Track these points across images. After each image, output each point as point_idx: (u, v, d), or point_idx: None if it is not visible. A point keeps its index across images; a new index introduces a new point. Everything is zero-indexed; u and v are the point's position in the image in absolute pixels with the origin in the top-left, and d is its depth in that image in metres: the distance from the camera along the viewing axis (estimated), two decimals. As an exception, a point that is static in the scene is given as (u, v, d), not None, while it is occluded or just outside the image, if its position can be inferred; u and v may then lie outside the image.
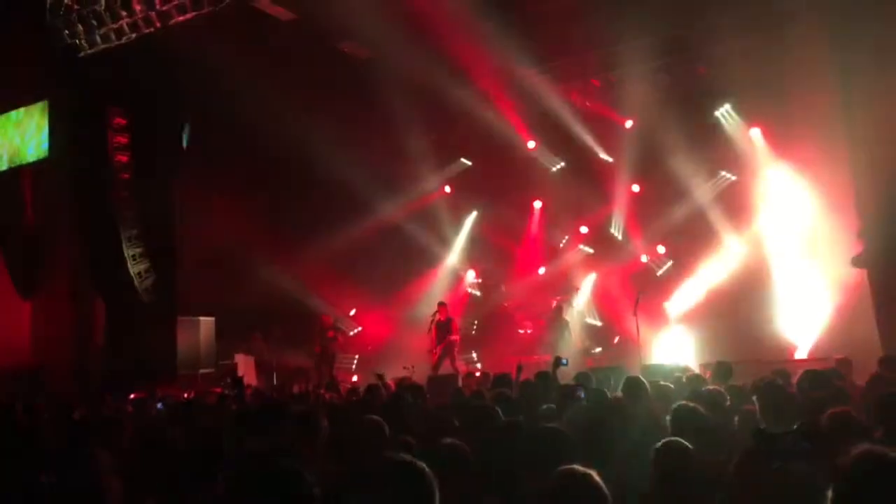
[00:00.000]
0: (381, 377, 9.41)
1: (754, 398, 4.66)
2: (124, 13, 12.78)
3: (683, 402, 4.81)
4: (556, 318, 14.78)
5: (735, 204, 14.78)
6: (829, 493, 1.89)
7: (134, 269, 14.08)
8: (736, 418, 5.14)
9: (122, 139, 14.14)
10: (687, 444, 3.48)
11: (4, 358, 13.66)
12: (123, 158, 14.14)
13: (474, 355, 16.35)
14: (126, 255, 13.98)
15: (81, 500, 2.38)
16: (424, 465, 1.96)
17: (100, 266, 14.10)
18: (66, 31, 13.18)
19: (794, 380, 7.22)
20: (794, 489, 2.03)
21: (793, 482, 2.08)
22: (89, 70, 13.46)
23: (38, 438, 4.07)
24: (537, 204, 17.53)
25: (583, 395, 6.12)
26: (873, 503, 1.79)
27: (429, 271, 17.64)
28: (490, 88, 15.32)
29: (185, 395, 11.47)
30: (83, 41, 13.19)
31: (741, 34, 13.29)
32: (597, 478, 2.41)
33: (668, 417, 4.66)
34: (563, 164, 16.83)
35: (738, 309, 13.75)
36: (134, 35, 12.91)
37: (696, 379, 7.49)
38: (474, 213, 18.01)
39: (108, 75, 13.60)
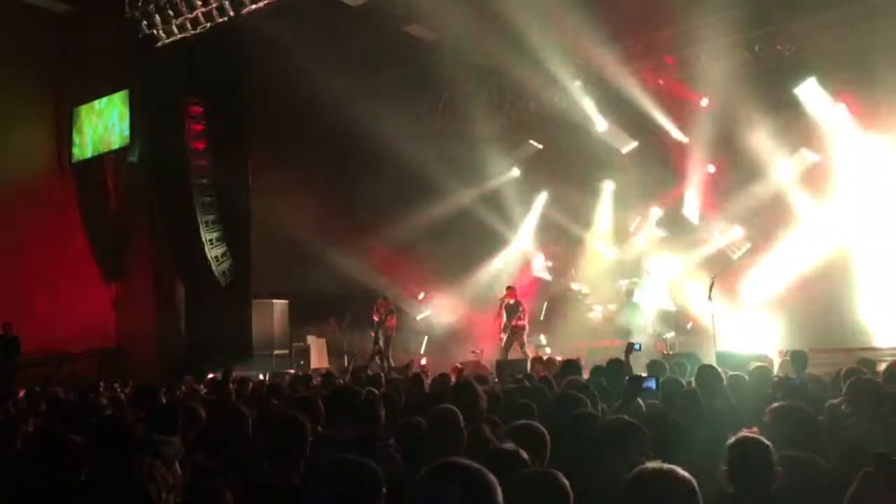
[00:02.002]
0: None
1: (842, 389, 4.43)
2: (199, 3, 13.09)
3: (784, 403, 4.46)
4: (626, 301, 14.53)
5: (818, 184, 14.17)
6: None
7: (211, 253, 14.50)
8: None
9: (198, 127, 14.53)
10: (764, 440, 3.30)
11: (90, 339, 14.34)
12: (200, 146, 14.54)
13: (543, 339, 16.24)
14: (204, 239, 14.41)
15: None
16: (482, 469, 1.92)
17: (180, 251, 14.59)
18: (145, 22, 13.59)
19: (879, 368, 6.92)
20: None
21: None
22: (166, 59, 13.86)
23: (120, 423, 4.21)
24: (608, 185, 17.20)
25: (653, 386, 5.98)
26: None
27: (497, 254, 17.57)
28: (560, 69, 15.07)
29: (261, 376, 11.79)
30: (161, 31, 13.58)
31: (825, 6, 12.70)
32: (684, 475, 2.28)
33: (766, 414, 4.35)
34: (634, 144, 16.45)
35: (819, 294, 13.22)
36: (209, 24, 13.20)
37: (763, 369, 7.12)
38: (544, 196, 17.80)
39: (184, 64, 13.98)
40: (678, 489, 2.16)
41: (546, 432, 3.68)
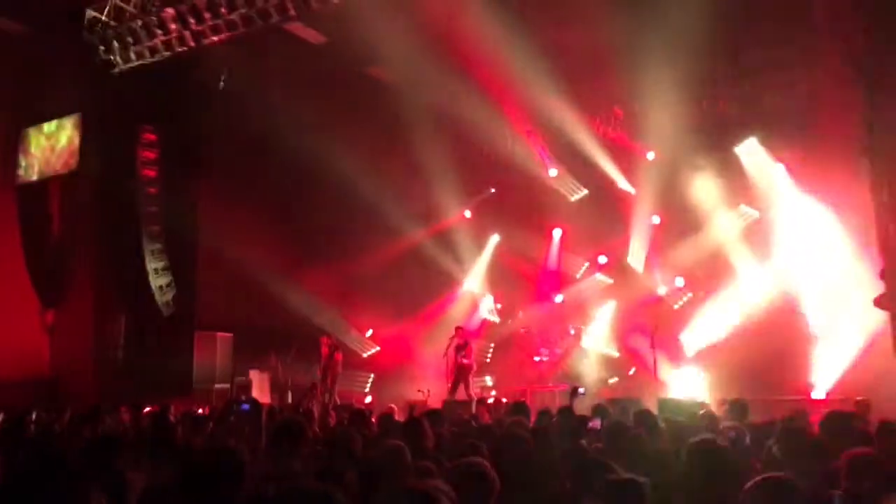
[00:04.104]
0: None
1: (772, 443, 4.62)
2: (159, 32, 13.05)
3: (702, 436, 4.75)
4: (576, 346, 14.77)
5: (757, 239, 14.74)
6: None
7: (156, 282, 14.25)
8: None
9: (151, 154, 14.39)
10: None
11: (24, 367, 13.82)
12: (151, 173, 14.38)
13: (489, 381, 16.31)
14: (148, 268, 14.15)
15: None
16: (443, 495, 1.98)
17: (123, 279, 14.28)
18: (102, 47, 13.47)
19: (812, 419, 7.19)
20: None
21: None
22: (122, 86, 13.73)
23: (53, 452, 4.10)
24: (557, 231, 17.56)
25: (599, 426, 6.11)
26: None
27: (447, 295, 17.68)
28: (514, 116, 15.45)
29: (200, 410, 11.53)
30: (118, 57, 13.47)
31: (770, 69, 13.36)
32: None
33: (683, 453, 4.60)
34: (584, 192, 16.87)
35: (756, 345, 13.61)
36: (168, 53, 13.17)
37: (710, 416, 7.40)
38: (495, 239, 18.06)
39: (140, 92, 13.87)
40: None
41: (491, 472, 3.63)
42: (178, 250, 14.59)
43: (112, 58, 13.49)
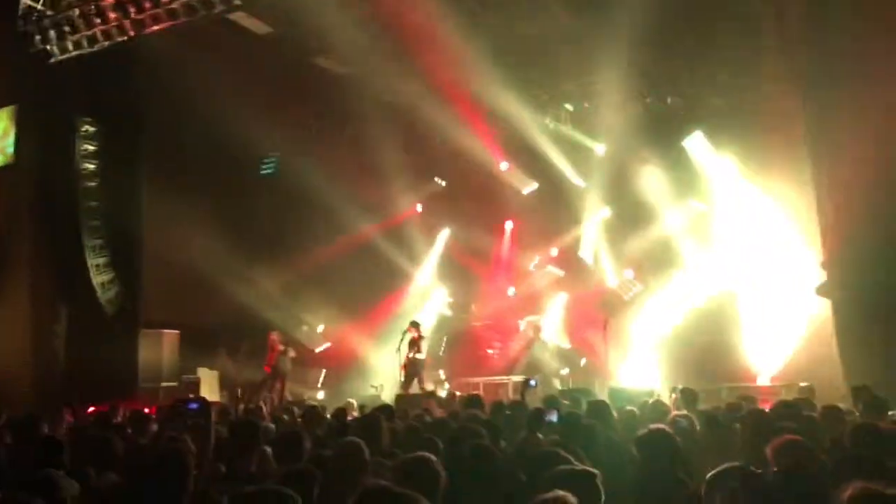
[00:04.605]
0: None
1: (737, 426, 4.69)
2: (98, 21, 12.58)
3: (654, 426, 4.79)
4: (535, 339, 14.89)
5: (703, 231, 15.05)
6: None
7: (97, 279, 13.78)
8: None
9: (91, 146, 13.89)
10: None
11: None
12: (91, 166, 13.89)
13: (442, 374, 16.28)
14: (90, 264, 13.69)
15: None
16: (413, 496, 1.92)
17: (62, 275, 13.78)
18: (38, 37, 12.93)
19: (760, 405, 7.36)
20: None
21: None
22: (59, 76, 13.23)
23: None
24: (509, 225, 17.63)
25: (555, 418, 6.12)
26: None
27: (399, 289, 17.58)
28: (465, 109, 15.41)
29: (146, 410, 11.22)
30: (54, 47, 12.96)
31: (715, 70, 13.64)
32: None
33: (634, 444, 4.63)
34: (535, 186, 16.96)
35: (704, 333, 13.96)
36: (107, 43, 12.72)
37: (658, 404, 7.49)
38: (446, 233, 18.03)
39: (78, 82, 13.38)
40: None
41: (437, 465, 3.49)
42: (120, 246, 14.12)
43: (48, 47, 12.96)
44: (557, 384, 13.37)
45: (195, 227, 14.12)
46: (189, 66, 12.38)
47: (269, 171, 16.01)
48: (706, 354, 13.40)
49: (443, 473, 3.35)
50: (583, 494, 2.74)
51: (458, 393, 11.65)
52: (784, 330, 13.22)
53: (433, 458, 3.48)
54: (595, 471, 3.21)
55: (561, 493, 2.49)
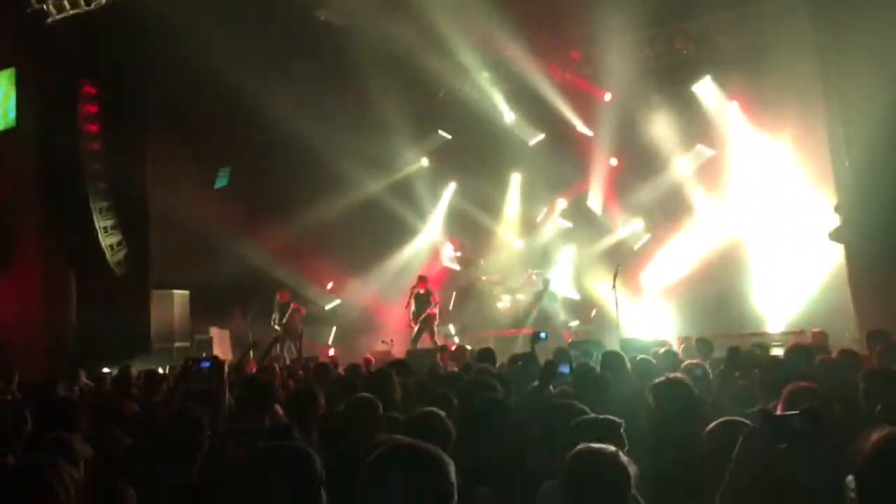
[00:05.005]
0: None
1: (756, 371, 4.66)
2: (94, -23, 12.35)
3: (669, 374, 4.77)
4: (544, 291, 14.88)
5: (713, 178, 14.86)
6: (851, 480, 1.87)
7: (106, 241, 13.79)
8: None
9: (92, 108, 13.75)
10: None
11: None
12: (94, 128, 13.77)
13: (452, 329, 16.33)
14: (97, 227, 13.68)
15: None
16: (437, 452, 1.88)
17: (71, 239, 13.79)
18: (34, -5, 12.72)
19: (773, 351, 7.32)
20: (803, 473, 2.02)
21: (801, 467, 2.06)
22: (58, 37, 13.03)
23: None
24: (515, 177, 17.45)
25: (567, 370, 6.09)
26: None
27: (407, 244, 17.53)
28: (469, 60, 15.14)
29: (160, 370, 11.31)
30: (51, 6, 12.74)
31: (721, 7, 13.28)
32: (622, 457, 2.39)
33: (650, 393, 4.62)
34: (541, 136, 16.74)
35: (715, 282, 13.89)
36: (104, 1, 12.49)
37: (671, 353, 7.49)
38: (452, 186, 17.89)
39: (78, 43, 13.19)
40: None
41: (446, 421, 3.47)
42: (128, 207, 14.10)
43: (45, 6, 12.75)
44: (568, 336, 13.39)
45: (200, 187, 14.06)
46: (189, 24, 12.15)
47: None
48: (717, 303, 13.36)
49: (452, 429, 3.34)
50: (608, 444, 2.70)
51: (468, 347, 11.66)
52: (796, 277, 13.12)
53: (441, 413, 3.47)
54: (619, 420, 3.18)
55: (598, 445, 2.44)
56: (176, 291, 14.89)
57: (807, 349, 5.71)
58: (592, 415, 3.39)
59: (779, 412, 3.21)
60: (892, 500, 1.82)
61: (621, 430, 3.06)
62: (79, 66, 13.61)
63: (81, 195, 13.59)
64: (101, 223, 13.72)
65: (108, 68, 13.69)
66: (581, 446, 2.39)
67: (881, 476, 1.80)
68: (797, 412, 2.43)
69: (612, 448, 2.36)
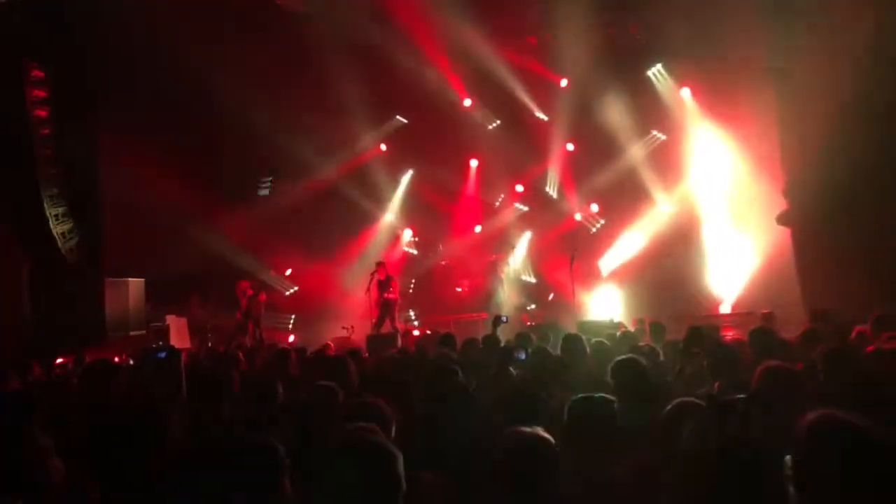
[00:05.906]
0: None
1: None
2: (39, -43, 11.99)
3: (625, 355, 4.90)
4: (492, 275, 14.99)
5: (665, 163, 15.14)
6: (788, 459, 1.99)
7: (57, 229, 13.50)
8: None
9: (41, 93, 13.39)
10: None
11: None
12: (42, 113, 13.41)
13: (412, 314, 16.41)
14: (48, 214, 13.38)
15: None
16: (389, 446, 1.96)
17: (22, 227, 13.47)
18: (-25, -24, 12.29)
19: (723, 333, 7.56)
20: (748, 456, 2.13)
21: (746, 449, 2.18)
22: (3, 21, 12.62)
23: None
24: (473, 162, 17.54)
25: (523, 356, 6.21)
26: (834, 467, 1.89)
27: (366, 230, 17.52)
28: (426, 45, 15.11)
29: (116, 359, 11.16)
30: (-6, -12, 12.33)
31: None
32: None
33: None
34: (498, 122, 16.84)
35: (668, 265, 14.19)
36: (50, -18, 12.15)
37: (629, 335, 7.70)
38: (410, 172, 17.89)
39: (23, 26, 12.79)
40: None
41: (386, 409, 3.47)
42: (79, 194, 13.80)
43: (-12, -12, 12.34)
44: (525, 319, 13.57)
45: (155, 173, 13.80)
46: (142, 6, 11.90)
47: None
48: (670, 284, 13.67)
49: (391, 416, 3.39)
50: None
51: (428, 332, 11.76)
52: (744, 258, 13.49)
53: (380, 401, 3.52)
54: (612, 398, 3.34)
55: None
56: (131, 279, 14.69)
57: (770, 332, 5.93)
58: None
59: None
60: (825, 478, 1.94)
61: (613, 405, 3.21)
62: (25, 48, 13.22)
63: (31, 182, 13.26)
64: (51, 210, 13.42)
65: (56, 51, 13.33)
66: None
67: (814, 455, 1.92)
68: (744, 395, 2.56)
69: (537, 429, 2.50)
